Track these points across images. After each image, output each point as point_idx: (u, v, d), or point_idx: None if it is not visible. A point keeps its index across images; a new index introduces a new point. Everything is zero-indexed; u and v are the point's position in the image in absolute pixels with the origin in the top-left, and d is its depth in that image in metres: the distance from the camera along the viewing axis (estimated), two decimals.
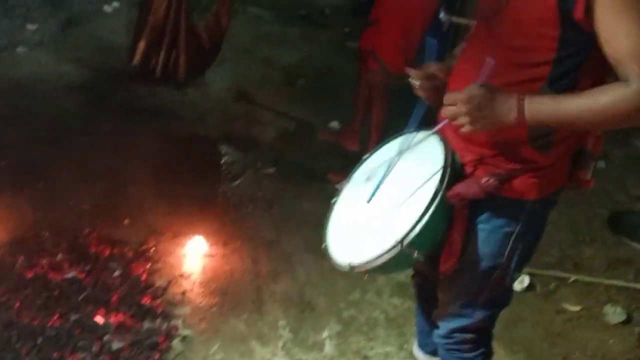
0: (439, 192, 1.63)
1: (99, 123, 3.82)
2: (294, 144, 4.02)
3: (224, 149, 3.86)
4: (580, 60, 1.52)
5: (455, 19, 4.94)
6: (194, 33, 3.94)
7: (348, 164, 2.06)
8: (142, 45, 3.85)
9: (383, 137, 3.46)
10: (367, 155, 1.98)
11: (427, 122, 1.83)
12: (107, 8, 5.30)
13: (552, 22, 1.47)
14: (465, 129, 1.53)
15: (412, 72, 1.80)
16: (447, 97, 1.56)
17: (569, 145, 1.66)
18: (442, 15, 3.69)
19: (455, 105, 1.52)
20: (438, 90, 1.80)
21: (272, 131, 4.12)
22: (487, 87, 1.50)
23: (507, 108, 1.49)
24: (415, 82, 1.79)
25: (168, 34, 3.84)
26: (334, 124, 4.27)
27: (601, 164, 4.06)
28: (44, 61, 4.40)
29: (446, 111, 1.55)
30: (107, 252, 2.91)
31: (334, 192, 1.96)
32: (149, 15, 3.82)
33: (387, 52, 3.40)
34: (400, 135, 1.89)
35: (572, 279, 3.11)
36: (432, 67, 1.81)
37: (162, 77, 3.94)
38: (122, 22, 5.05)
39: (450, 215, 1.71)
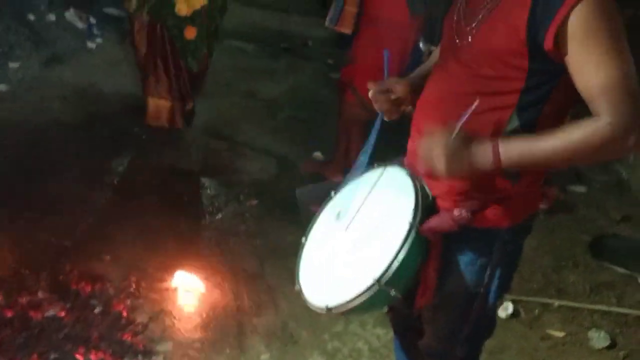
0: (412, 227, 1.60)
1: (80, 159, 3.82)
2: (277, 176, 4.03)
3: (206, 182, 3.86)
4: (550, 88, 1.52)
5: (434, 48, 5.01)
6: (179, 71, 3.95)
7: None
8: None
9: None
10: (335, 191, 1.94)
11: (385, 136, 1.85)
12: (91, 45, 5.34)
13: (521, 53, 1.48)
14: (440, 174, 1.52)
15: (370, 83, 1.82)
16: (421, 145, 1.55)
17: (539, 173, 1.67)
18: (421, 44, 3.75)
19: (430, 152, 1.51)
20: (394, 103, 1.84)
21: (255, 163, 4.14)
22: (461, 136, 1.49)
23: (483, 155, 1.48)
24: (370, 94, 1.82)
25: (152, 71, 3.88)
26: (318, 155, 4.30)
27: (582, 189, 4.10)
28: (26, 99, 4.40)
29: (420, 159, 1.55)
30: (88, 289, 2.89)
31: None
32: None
33: (364, 86, 3.42)
34: (368, 168, 1.88)
35: (556, 304, 3.12)
36: (390, 81, 1.84)
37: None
38: (106, 58, 5.09)
39: (424, 250, 1.68)
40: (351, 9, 3.31)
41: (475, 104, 1.50)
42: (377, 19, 3.31)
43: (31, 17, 5.54)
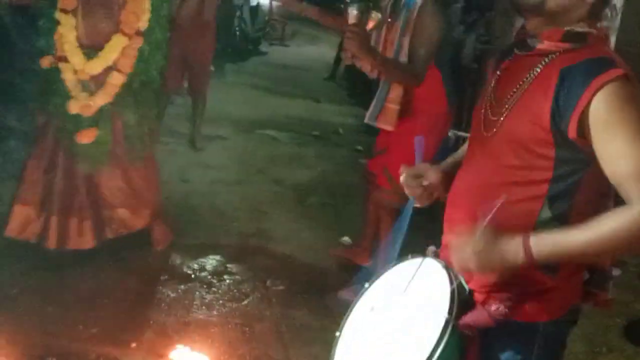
0: (449, 323, 1.54)
1: (108, 248, 3.88)
2: (304, 261, 4.04)
3: (233, 267, 3.88)
4: (580, 176, 1.51)
5: (462, 134, 5.08)
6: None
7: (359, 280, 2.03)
8: None
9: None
10: (369, 283, 1.88)
11: (416, 222, 1.83)
12: None
13: (546, 142, 1.48)
14: (474, 271, 1.51)
15: (402, 167, 1.83)
16: (452, 245, 1.55)
17: (578, 266, 1.62)
18: (450, 132, 3.80)
19: (461, 252, 1.51)
20: (426, 189, 1.83)
21: (283, 248, 4.16)
22: (490, 233, 1.48)
23: (514, 251, 1.46)
24: (401, 178, 1.82)
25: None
26: (346, 240, 4.31)
27: (617, 272, 4.00)
28: None
29: (453, 258, 1.54)
30: None
31: (345, 309, 1.87)
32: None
33: (398, 171, 3.43)
34: (402, 259, 1.83)
35: None
36: (422, 167, 1.85)
37: None
38: None
39: (462, 346, 1.61)
40: (393, 106, 3.30)
41: (502, 199, 1.48)
42: (416, 111, 3.34)
43: None
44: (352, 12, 2.74)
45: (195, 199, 4.72)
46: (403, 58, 3.24)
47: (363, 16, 2.75)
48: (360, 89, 8.60)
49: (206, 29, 5.44)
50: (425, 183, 1.85)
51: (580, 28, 1.51)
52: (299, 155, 6.26)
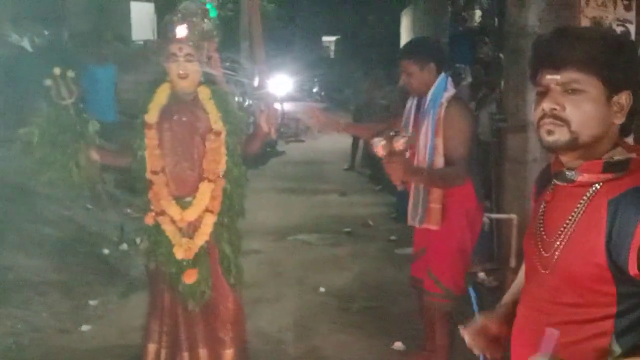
0: None
1: None
2: None
3: None
4: None
5: (495, 216, 5.04)
6: None
7: None
8: None
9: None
10: None
11: None
12: None
13: (604, 278, 1.43)
14: None
15: (464, 332, 1.75)
16: None
17: None
18: (484, 217, 3.76)
19: None
20: (492, 340, 1.74)
21: None
22: None
23: None
24: (467, 339, 1.74)
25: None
26: (399, 345, 4.19)
27: None
28: (108, 337, 4.51)
29: None
30: None
31: None
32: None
33: (445, 274, 3.40)
34: None
35: None
36: (482, 321, 1.76)
37: None
38: None
39: None
40: (437, 206, 3.31)
41: (555, 335, 1.41)
42: (450, 208, 3.34)
43: (105, 250, 5.88)
44: (379, 144, 2.72)
45: None
46: (439, 158, 3.28)
47: (390, 143, 2.75)
48: (381, 175, 8.64)
49: None
50: (490, 336, 1.74)
51: (620, 155, 1.47)
52: (334, 256, 6.22)
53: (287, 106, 13.96)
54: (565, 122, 1.47)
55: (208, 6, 9.45)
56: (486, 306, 1.89)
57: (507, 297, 1.85)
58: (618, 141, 1.51)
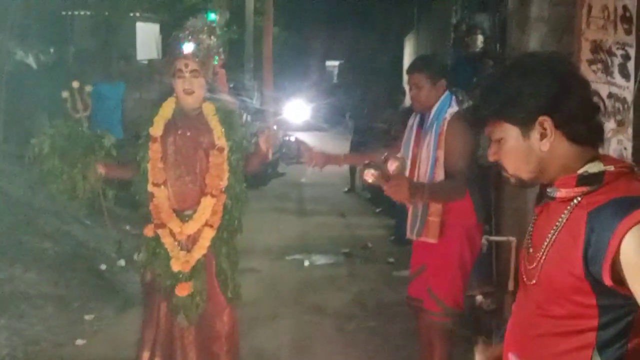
0: None
1: None
2: None
3: None
4: (629, 322, 1.45)
5: (495, 238, 5.02)
6: None
7: None
8: None
9: None
10: None
11: None
12: None
13: (584, 290, 1.44)
14: None
15: (478, 350, 1.80)
16: None
17: None
18: (482, 239, 3.75)
19: None
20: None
21: None
22: None
23: None
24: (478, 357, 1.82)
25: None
26: None
27: None
28: (103, 352, 4.49)
29: None
30: None
31: None
32: None
33: (446, 292, 3.39)
34: None
35: None
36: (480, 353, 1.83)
37: None
38: None
39: None
40: (435, 219, 3.32)
41: None
42: (449, 225, 3.35)
43: (103, 266, 5.87)
44: (370, 173, 2.76)
45: None
46: (440, 170, 3.31)
47: (384, 169, 2.77)
48: (381, 196, 8.63)
49: None
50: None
51: (595, 169, 1.48)
52: (332, 277, 6.19)
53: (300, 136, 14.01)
54: (505, 169, 1.60)
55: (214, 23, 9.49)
56: (484, 329, 1.91)
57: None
58: (596, 154, 1.52)
